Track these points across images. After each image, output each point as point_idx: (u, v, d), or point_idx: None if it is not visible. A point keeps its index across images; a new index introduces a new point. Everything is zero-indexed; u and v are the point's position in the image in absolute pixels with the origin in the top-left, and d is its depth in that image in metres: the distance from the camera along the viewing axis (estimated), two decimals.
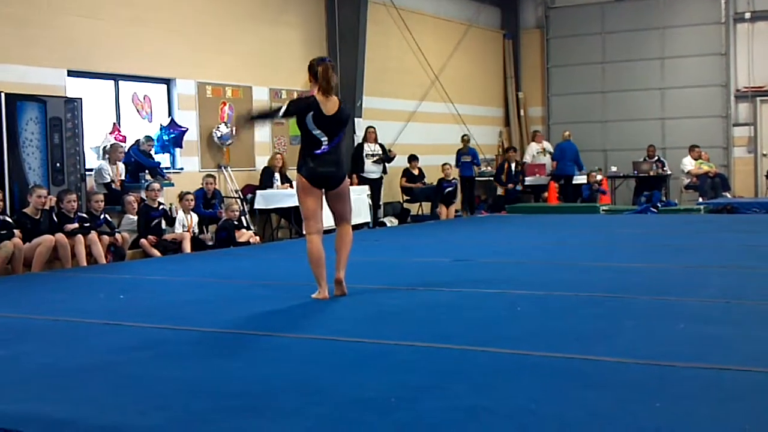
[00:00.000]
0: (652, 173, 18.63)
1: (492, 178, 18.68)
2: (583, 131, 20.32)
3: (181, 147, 12.69)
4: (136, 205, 11.12)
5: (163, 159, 12.51)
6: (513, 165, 18.04)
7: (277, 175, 13.46)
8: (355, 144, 15.45)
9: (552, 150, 19.21)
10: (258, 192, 13.22)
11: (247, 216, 12.87)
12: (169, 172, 12.52)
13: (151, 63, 12.36)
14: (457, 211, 16.95)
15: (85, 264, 9.73)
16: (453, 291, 6.83)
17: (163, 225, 11.17)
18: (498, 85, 21.61)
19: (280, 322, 5.75)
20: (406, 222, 16.37)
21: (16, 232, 9.35)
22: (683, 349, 4.53)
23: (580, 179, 18.44)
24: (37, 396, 3.94)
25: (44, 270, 9.43)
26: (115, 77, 12.04)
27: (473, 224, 14.69)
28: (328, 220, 6.79)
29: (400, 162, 16.39)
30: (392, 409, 3.55)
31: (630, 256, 9.13)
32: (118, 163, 11.44)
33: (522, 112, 21.82)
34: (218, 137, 13.19)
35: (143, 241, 10.81)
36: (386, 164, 15.60)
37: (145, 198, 11.21)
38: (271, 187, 13.33)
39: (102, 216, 10.49)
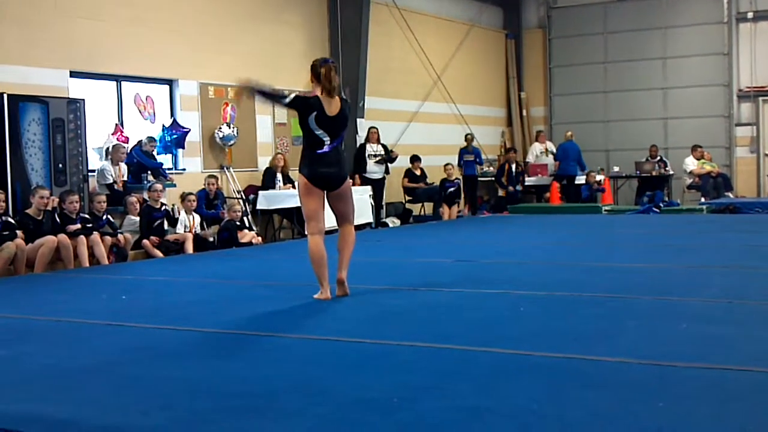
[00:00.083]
0: (654, 173, 18.62)
1: (493, 179, 18.66)
2: (586, 131, 20.32)
3: (183, 148, 12.70)
4: (138, 206, 11.13)
5: (165, 160, 12.51)
6: (513, 166, 18.01)
7: (279, 176, 13.47)
8: (358, 144, 15.45)
9: (554, 150, 19.21)
10: (260, 192, 13.22)
11: (250, 216, 12.87)
12: (172, 173, 12.53)
13: (154, 64, 12.37)
14: (459, 211, 16.94)
15: (87, 265, 9.73)
16: (455, 291, 6.83)
17: (166, 226, 11.17)
18: (500, 86, 21.60)
19: (282, 322, 5.75)
20: (408, 222, 16.37)
21: (19, 233, 9.36)
22: (685, 349, 4.52)
23: (582, 179, 18.44)
24: (40, 396, 3.94)
25: (47, 271, 9.44)
26: (118, 78, 12.05)
27: (475, 225, 14.68)
28: (330, 220, 6.80)
29: (403, 162, 16.40)
30: (394, 409, 3.55)
31: (632, 256, 9.12)
32: (120, 163, 11.46)
33: (524, 112, 21.82)
34: (220, 138, 13.20)
35: (145, 241, 10.82)
36: (388, 164, 15.60)
37: (148, 199, 11.22)
38: (274, 187, 13.33)
39: (104, 217, 10.50)
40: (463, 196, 17.21)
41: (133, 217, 11.10)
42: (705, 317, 5.42)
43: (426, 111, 18.28)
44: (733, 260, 8.42)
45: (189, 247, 11.07)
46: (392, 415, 3.46)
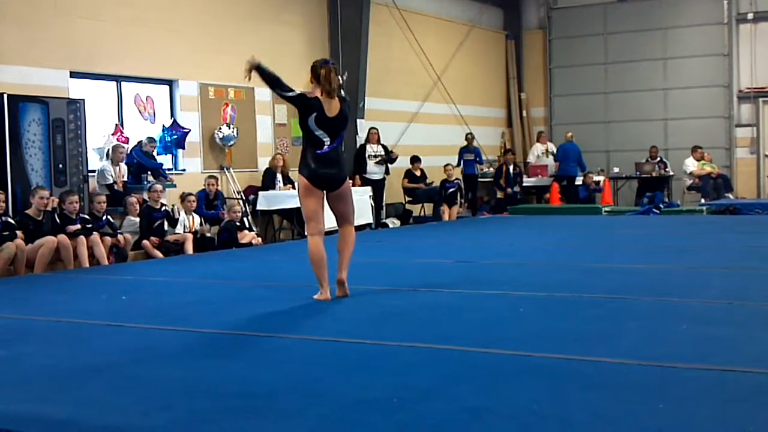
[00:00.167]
0: (654, 174, 18.62)
1: (492, 180, 18.65)
2: (586, 132, 20.32)
3: (183, 148, 12.70)
4: (138, 207, 11.12)
5: (165, 160, 12.51)
6: (510, 168, 17.98)
7: (279, 176, 13.46)
8: (358, 145, 15.45)
9: (555, 151, 19.21)
10: (260, 193, 13.22)
11: (249, 217, 12.87)
12: (172, 174, 12.52)
13: (154, 64, 12.37)
14: (458, 211, 16.93)
15: (87, 265, 9.73)
16: (455, 292, 6.82)
17: (166, 226, 11.17)
18: (500, 86, 21.61)
19: (282, 323, 5.75)
20: (408, 223, 16.36)
21: (19, 233, 9.35)
22: (686, 350, 4.52)
23: (581, 180, 18.45)
24: (39, 397, 3.94)
25: (46, 271, 9.44)
26: (118, 78, 12.05)
27: (475, 225, 14.68)
28: (330, 221, 6.79)
29: (403, 163, 16.39)
30: (394, 409, 3.55)
31: (632, 257, 9.13)
32: (120, 164, 11.46)
33: (524, 113, 21.82)
34: (220, 138, 13.20)
35: (145, 242, 10.82)
36: (388, 165, 15.60)
37: (148, 199, 11.22)
38: (273, 188, 13.33)
39: (104, 217, 10.49)
40: (460, 195, 17.16)
41: (133, 218, 11.09)
42: (705, 318, 5.42)
43: (426, 112, 18.28)
44: (733, 261, 8.42)
45: (189, 247, 11.07)
46: (392, 416, 3.46)
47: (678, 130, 20.08)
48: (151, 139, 12.04)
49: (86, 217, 10.22)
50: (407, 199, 16.83)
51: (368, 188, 14.84)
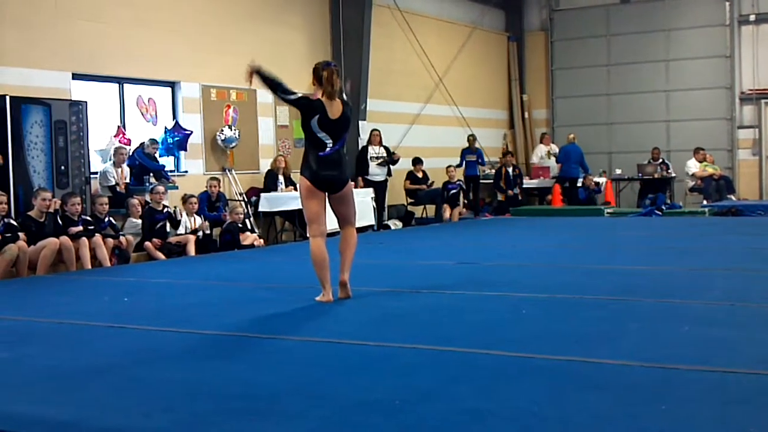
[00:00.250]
0: (656, 176, 18.61)
1: (492, 182, 18.63)
2: (588, 134, 20.32)
3: (185, 150, 12.70)
4: (140, 208, 11.13)
5: (167, 162, 12.52)
6: (510, 170, 17.96)
7: (281, 178, 13.47)
8: (360, 147, 15.45)
9: (557, 152, 19.21)
10: (262, 195, 13.22)
11: (251, 219, 12.87)
12: (174, 175, 12.54)
13: (156, 66, 12.38)
14: (460, 213, 16.93)
15: (89, 267, 9.74)
16: (457, 294, 6.82)
17: (168, 228, 11.17)
18: (502, 88, 21.61)
19: (284, 324, 5.75)
20: (410, 225, 16.36)
21: (21, 235, 9.36)
22: (687, 351, 4.52)
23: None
24: (42, 398, 3.95)
25: (49, 273, 9.44)
26: (120, 80, 12.07)
27: (477, 227, 14.68)
28: (331, 222, 6.80)
29: (405, 165, 16.39)
30: (396, 411, 3.55)
31: (634, 258, 9.12)
32: (122, 166, 11.47)
33: (526, 115, 21.81)
34: (222, 140, 13.21)
35: (147, 244, 10.82)
36: (390, 167, 15.60)
37: (150, 201, 11.22)
38: (275, 189, 13.33)
39: (106, 219, 10.50)
40: (462, 197, 17.15)
41: (135, 220, 11.10)
42: (707, 320, 5.42)
43: (428, 113, 18.28)
44: (735, 263, 8.42)
45: (191, 249, 11.08)
46: (394, 417, 3.46)
47: (680, 132, 20.07)
48: (153, 141, 12.05)
49: (88, 218, 10.23)
50: (409, 200, 16.82)
51: (370, 190, 14.84)
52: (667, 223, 13.96)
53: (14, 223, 9.46)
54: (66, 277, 9.12)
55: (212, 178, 12.62)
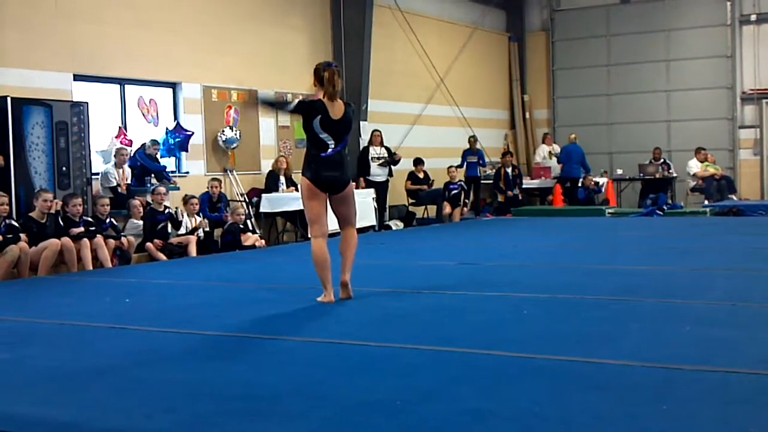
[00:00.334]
0: (657, 176, 18.60)
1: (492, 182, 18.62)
2: (589, 134, 20.31)
3: (186, 151, 12.70)
4: (141, 209, 11.13)
5: (168, 163, 12.53)
6: (509, 170, 17.95)
7: (282, 179, 13.47)
8: (361, 147, 15.45)
9: (558, 153, 19.21)
10: (263, 195, 13.23)
11: (253, 219, 12.88)
12: (175, 176, 12.54)
13: (157, 67, 12.39)
14: (464, 213, 16.92)
15: (90, 268, 9.74)
16: (458, 294, 6.82)
17: (169, 229, 11.18)
18: (503, 88, 21.60)
19: (286, 325, 5.76)
20: (411, 225, 16.36)
21: (22, 236, 9.36)
22: (689, 351, 4.52)
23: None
24: (43, 399, 3.95)
25: (50, 274, 9.45)
26: (121, 81, 12.07)
27: (479, 227, 14.68)
28: (333, 223, 6.80)
29: (406, 165, 16.39)
30: (397, 411, 3.55)
31: (635, 258, 9.12)
32: (123, 167, 11.47)
33: (527, 115, 21.81)
34: (223, 141, 13.21)
35: (149, 244, 10.83)
36: (392, 167, 15.60)
37: (151, 202, 11.22)
38: (277, 190, 13.34)
39: (108, 220, 10.50)
40: (463, 197, 17.15)
41: (136, 221, 11.10)
42: (708, 320, 5.42)
43: (429, 114, 18.28)
44: (736, 263, 8.41)
45: (192, 250, 11.08)
46: (395, 418, 3.46)
47: (681, 132, 20.06)
48: (154, 142, 12.06)
49: (90, 219, 10.23)
50: (410, 201, 16.82)
51: (371, 190, 14.84)
52: (669, 223, 13.96)
53: (15, 224, 9.46)
54: (67, 278, 9.13)
55: (213, 179, 12.62)
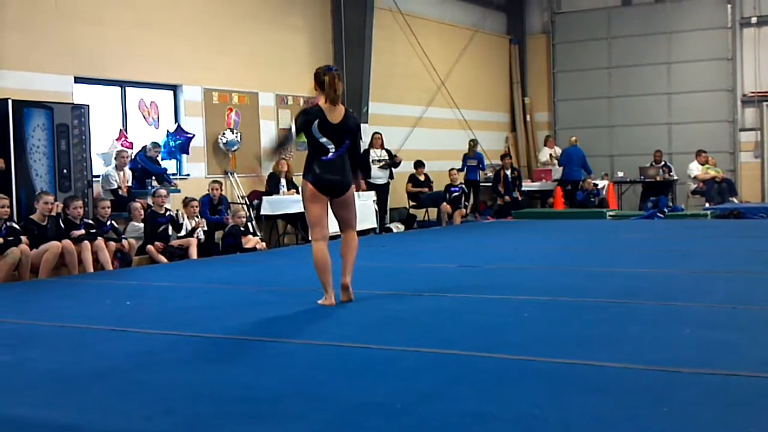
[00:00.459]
0: (658, 178, 18.61)
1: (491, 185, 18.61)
2: (590, 136, 20.32)
3: (187, 153, 12.71)
4: (142, 212, 11.13)
5: (169, 165, 12.54)
6: (509, 172, 17.94)
7: (283, 181, 13.48)
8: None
9: (559, 155, 19.20)
10: (264, 198, 13.23)
11: (254, 222, 12.88)
12: (176, 179, 12.55)
13: (158, 69, 12.40)
14: (464, 215, 16.90)
15: (91, 270, 9.74)
16: (458, 297, 6.82)
17: (170, 231, 11.18)
18: (504, 91, 21.61)
19: (286, 327, 5.76)
20: (412, 228, 16.36)
21: (23, 238, 9.37)
22: (689, 354, 4.52)
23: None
24: (44, 401, 3.95)
25: (51, 276, 9.45)
26: (122, 83, 12.09)
27: (479, 230, 14.68)
28: (333, 226, 6.80)
29: (407, 168, 16.40)
30: (398, 414, 3.55)
31: (636, 261, 9.12)
32: (124, 169, 11.48)
33: (528, 118, 21.82)
34: (224, 143, 13.22)
35: (150, 247, 10.82)
36: (392, 170, 15.60)
37: (152, 204, 11.23)
38: (278, 193, 13.34)
39: (108, 222, 10.50)
40: (464, 200, 17.15)
41: (137, 223, 11.10)
42: (709, 322, 5.42)
43: (430, 116, 18.29)
44: (737, 265, 8.41)
45: (193, 252, 11.08)
46: (396, 420, 3.47)
47: (682, 135, 20.07)
48: (155, 144, 12.06)
49: (90, 222, 10.23)
50: (411, 203, 16.82)
51: (372, 193, 14.84)
52: (669, 226, 13.95)
53: (16, 226, 9.46)
54: (68, 281, 9.13)
55: (214, 181, 12.63)
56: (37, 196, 9.76)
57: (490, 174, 18.63)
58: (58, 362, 4.82)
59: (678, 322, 5.40)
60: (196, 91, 13.06)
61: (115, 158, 11.40)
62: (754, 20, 19.57)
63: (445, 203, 16.30)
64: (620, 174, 19.64)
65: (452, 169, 16.86)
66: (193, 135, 12.70)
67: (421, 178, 16.57)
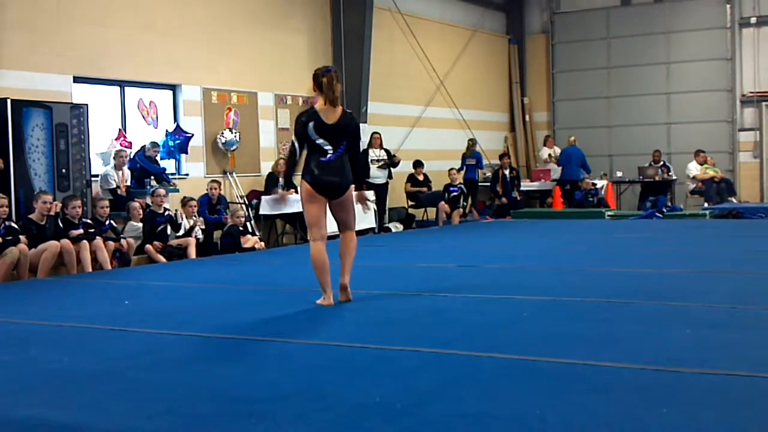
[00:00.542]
0: (657, 178, 18.61)
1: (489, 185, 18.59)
2: (589, 136, 20.33)
3: (186, 153, 12.70)
4: (141, 211, 11.12)
5: (168, 165, 12.53)
6: (507, 172, 17.92)
7: (281, 181, 13.45)
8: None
9: (558, 155, 19.20)
10: (263, 197, 13.22)
11: (252, 222, 12.87)
12: (175, 178, 12.54)
13: (157, 69, 12.39)
14: (463, 215, 16.91)
15: (90, 270, 9.73)
16: (458, 296, 6.82)
17: (169, 231, 11.17)
18: (503, 91, 21.61)
19: (285, 327, 5.75)
20: (411, 227, 16.35)
21: (22, 238, 9.36)
22: (689, 354, 4.52)
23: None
24: (43, 401, 3.94)
25: (50, 276, 9.44)
26: (121, 83, 12.08)
27: (479, 230, 14.68)
28: (332, 225, 6.80)
29: (406, 167, 16.39)
30: (398, 414, 3.55)
31: (635, 261, 9.12)
32: (123, 168, 11.47)
33: (527, 118, 21.82)
34: (223, 143, 13.21)
35: (148, 246, 10.82)
36: (391, 169, 15.60)
37: (151, 204, 11.22)
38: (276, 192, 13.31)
39: (107, 222, 10.50)
40: (463, 199, 17.14)
41: (135, 223, 11.09)
42: (709, 322, 5.42)
43: (429, 116, 18.29)
44: (736, 265, 8.42)
45: (192, 252, 11.07)
46: (396, 420, 3.46)
47: (681, 134, 20.07)
48: (154, 144, 12.06)
49: (89, 221, 10.22)
50: (410, 203, 16.82)
51: (371, 193, 14.83)
52: (668, 226, 13.95)
53: (15, 226, 9.46)
54: (67, 280, 9.12)
55: (213, 181, 12.62)
56: (36, 195, 9.75)
57: (488, 174, 18.63)
58: (56, 362, 4.81)
59: (678, 322, 5.40)
60: (195, 91, 13.05)
61: (114, 158, 11.39)
62: (753, 20, 19.57)
63: (443, 203, 16.29)
64: (619, 174, 19.64)
65: (451, 169, 16.86)
66: (192, 135, 12.69)
67: (420, 177, 16.56)
